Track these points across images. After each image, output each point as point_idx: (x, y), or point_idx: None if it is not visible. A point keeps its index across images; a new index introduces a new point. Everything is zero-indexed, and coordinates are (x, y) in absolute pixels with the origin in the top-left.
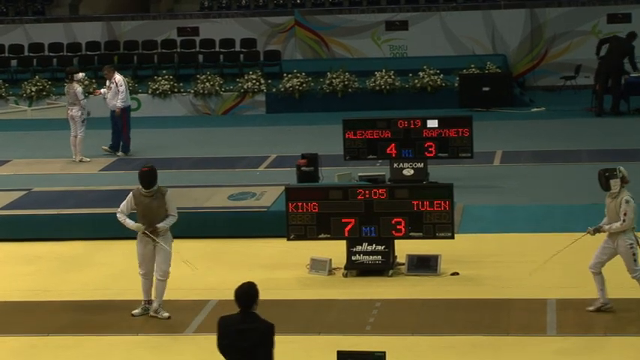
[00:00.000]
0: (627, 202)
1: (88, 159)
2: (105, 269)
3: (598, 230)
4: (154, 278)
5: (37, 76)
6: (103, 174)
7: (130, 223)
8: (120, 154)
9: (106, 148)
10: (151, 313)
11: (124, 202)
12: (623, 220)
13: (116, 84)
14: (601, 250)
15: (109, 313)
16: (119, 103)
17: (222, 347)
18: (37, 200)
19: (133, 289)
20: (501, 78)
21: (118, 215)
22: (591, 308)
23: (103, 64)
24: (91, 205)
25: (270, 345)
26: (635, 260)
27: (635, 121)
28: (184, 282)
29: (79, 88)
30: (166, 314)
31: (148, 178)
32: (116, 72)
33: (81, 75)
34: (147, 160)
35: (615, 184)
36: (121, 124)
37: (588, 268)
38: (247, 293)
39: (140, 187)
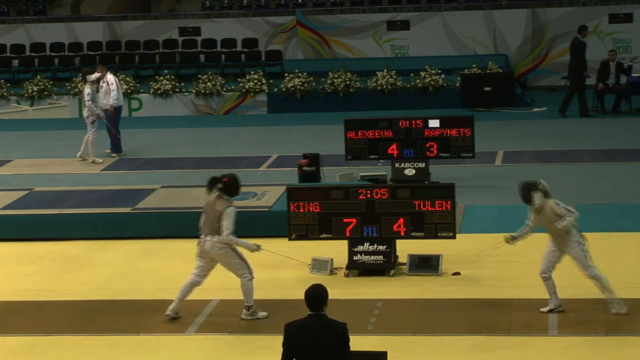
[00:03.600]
0: (558, 203)
1: (100, 160)
2: (106, 269)
3: (515, 238)
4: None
5: (38, 76)
6: (104, 174)
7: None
8: (113, 155)
9: (109, 151)
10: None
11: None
12: (571, 212)
13: (107, 83)
14: (548, 255)
15: (110, 313)
16: (111, 101)
17: (294, 352)
18: (39, 200)
19: (134, 289)
20: (503, 78)
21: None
22: (544, 309)
23: (104, 64)
24: (93, 205)
25: (348, 343)
26: (587, 257)
27: (637, 121)
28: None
29: (87, 90)
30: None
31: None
32: (109, 72)
33: (94, 76)
34: (148, 160)
35: (538, 197)
36: (108, 124)
37: (540, 274)
38: (319, 294)
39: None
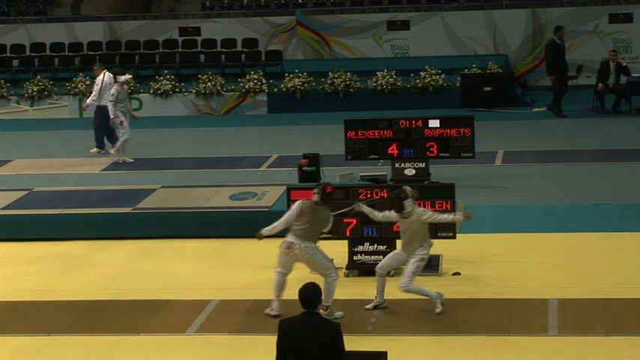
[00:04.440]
0: (425, 211)
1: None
2: (106, 269)
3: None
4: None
5: (38, 76)
6: (104, 174)
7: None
8: (93, 150)
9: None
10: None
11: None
12: (443, 211)
13: (95, 82)
14: (395, 255)
15: (110, 313)
16: (88, 100)
17: (287, 349)
18: (39, 200)
19: (134, 289)
20: (503, 78)
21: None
22: (369, 306)
23: (104, 62)
24: (93, 205)
25: (342, 343)
26: (413, 272)
27: (638, 121)
28: (185, 282)
29: (112, 90)
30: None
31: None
32: (105, 71)
33: (123, 78)
34: (148, 160)
35: (408, 204)
36: (94, 120)
37: (375, 269)
38: (313, 293)
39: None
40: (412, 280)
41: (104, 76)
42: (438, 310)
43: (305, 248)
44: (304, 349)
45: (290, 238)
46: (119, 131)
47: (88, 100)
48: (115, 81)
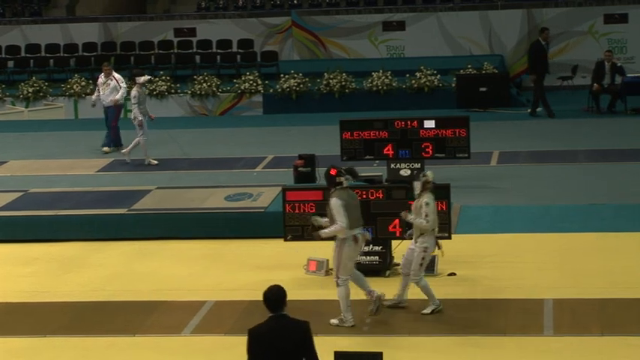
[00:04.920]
0: (427, 204)
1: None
2: (102, 270)
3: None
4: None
5: (33, 77)
6: (99, 175)
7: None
8: (106, 149)
9: (108, 149)
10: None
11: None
12: (427, 221)
13: (117, 81)
14: (410, 252)
15: (106, 314)
16: (118, 96)
17: (259, 354)
18: (34, 201)
19: (130, 290)
20: (498, 78)
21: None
22: (388, 303)
23: (99, 65)
24: (89, 206)
25: (312, 341)
26: (421, 265)
27: (633, 122)
28: (181, 282)
29: (133, 92)
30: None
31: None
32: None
33: (142, 79)
34: (143, 160)
35: (416, 186)
36: (112, 119)
37: (401, 269)
38: (278, 295)
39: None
40: (420, 273)
41: (119, 75)
42: (424, 312)
43: (365, 235)
44: (280, 352)
45: (349, 233)
46: (138, 131)
47: (118, 96)
48: (135, 82)
